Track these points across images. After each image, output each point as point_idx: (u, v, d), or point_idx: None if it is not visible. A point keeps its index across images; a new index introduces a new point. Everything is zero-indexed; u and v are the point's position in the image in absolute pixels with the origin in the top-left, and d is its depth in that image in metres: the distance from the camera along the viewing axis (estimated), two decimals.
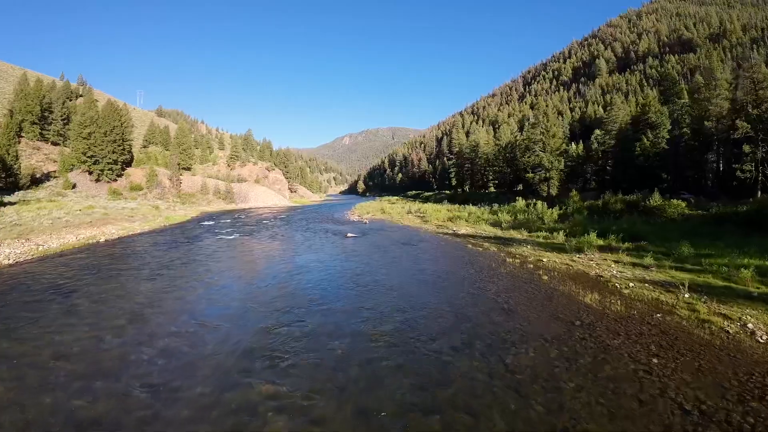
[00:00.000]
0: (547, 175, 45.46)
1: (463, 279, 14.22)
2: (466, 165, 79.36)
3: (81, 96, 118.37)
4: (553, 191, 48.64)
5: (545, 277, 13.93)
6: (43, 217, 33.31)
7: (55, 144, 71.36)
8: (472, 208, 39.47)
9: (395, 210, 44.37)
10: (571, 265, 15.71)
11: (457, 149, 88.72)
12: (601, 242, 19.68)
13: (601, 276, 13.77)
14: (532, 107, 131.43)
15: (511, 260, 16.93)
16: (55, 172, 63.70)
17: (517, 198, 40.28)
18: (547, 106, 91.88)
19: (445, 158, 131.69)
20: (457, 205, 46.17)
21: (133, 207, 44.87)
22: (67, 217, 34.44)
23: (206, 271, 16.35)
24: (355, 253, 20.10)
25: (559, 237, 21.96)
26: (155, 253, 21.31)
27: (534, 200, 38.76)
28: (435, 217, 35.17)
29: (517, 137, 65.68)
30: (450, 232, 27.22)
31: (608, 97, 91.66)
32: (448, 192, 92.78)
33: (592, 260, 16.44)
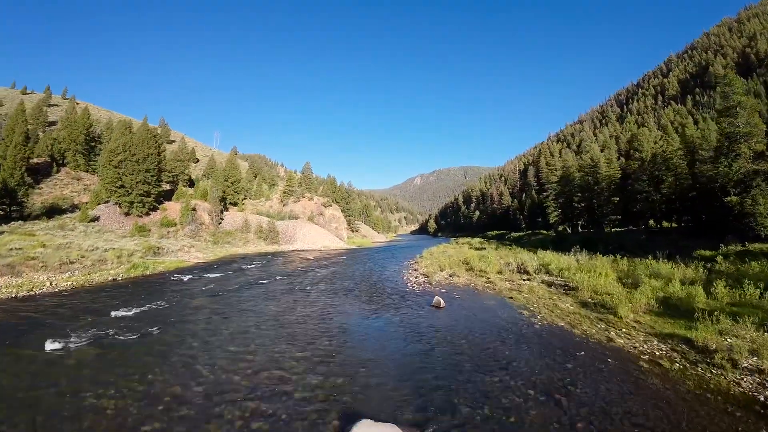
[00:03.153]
0: None
1: None
2: (577, 195, 56.40)
3: (158, 135, 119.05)
4: None
5: None
6: None
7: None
8: (683, 270, 18.10)
9: (492, 264, 24.19)
10: None
11: (556, 175, 66.42)
12: None
13: None
14: (640, 125, 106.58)
15: None
16: (87, 203, 54.99)
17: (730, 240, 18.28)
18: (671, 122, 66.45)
19: (533, 191, 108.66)
20: (603, 257, 24.67)
21: (108, 247, 30.97)
22: None
23: None
24: None
25: None
26: None
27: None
28: (629, 298, 14.39)
29: (667, 145, 42.17)
30: None
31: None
32: (545, 232, 69.39)
33: None
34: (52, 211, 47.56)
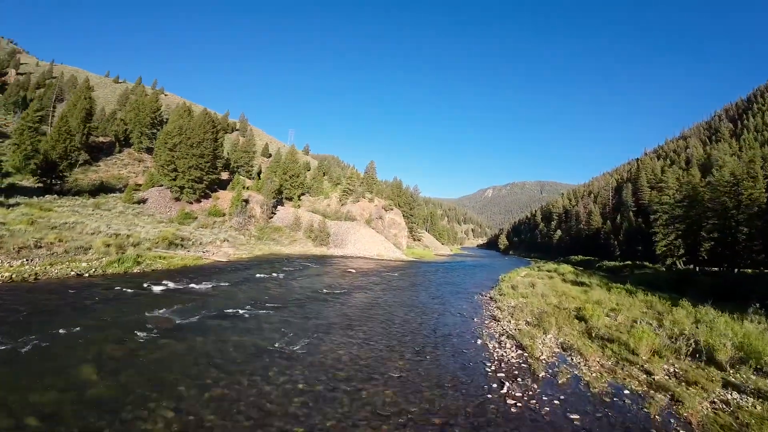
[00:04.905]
0: None
1: None
2: (708, 222, 40.87)
3: (237, 129, 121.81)
4: None
5: None
6: None
7: None
8: None
9: (643, 336, 13.01)
10: None
11: (669, 195, 50.98)
12: None
13: None
14: (762, 144, 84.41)
15: None
16: (141, 185, 53.22)
17: None
18: None
19: (630, 213, 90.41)
20: None
21: (114, 232, 25.43)
22: None
23: None
24: None
25: None
26: None
27: None
28: None
29: None
30: None
31: None
32: (650, 265, 53.23)
33: None
34: (101, 189, 45.39)
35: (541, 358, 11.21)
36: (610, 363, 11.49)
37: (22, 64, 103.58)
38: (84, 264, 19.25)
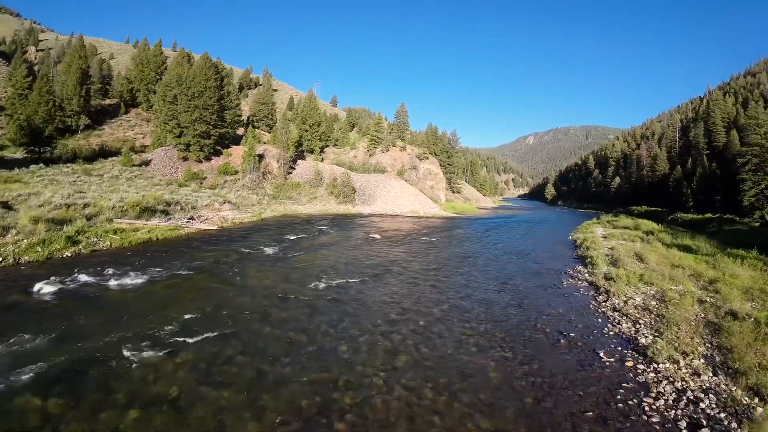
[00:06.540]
0: None
1: None
2: None
3: (260, 84, 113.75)
4: None
5: None
6: None
7: None
8: None
9: None
10: None
11: (759, 134, 38.55)
12: None
13: None
14: None
15: None
16: (147, 146, 47.97)
17: None
18: None
19: (704, 157, 74.54)
20: None
21: (69, 203, 19.51)
22: None
23: None
24: None
25: None
26: None
27: None
28: None
29: None
30: None
31: None
32: (742, 221, 41.31)
33: None
34: (102, 154, 40.30)
35: None
36: None
37: (41, 40, 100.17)
38: None
